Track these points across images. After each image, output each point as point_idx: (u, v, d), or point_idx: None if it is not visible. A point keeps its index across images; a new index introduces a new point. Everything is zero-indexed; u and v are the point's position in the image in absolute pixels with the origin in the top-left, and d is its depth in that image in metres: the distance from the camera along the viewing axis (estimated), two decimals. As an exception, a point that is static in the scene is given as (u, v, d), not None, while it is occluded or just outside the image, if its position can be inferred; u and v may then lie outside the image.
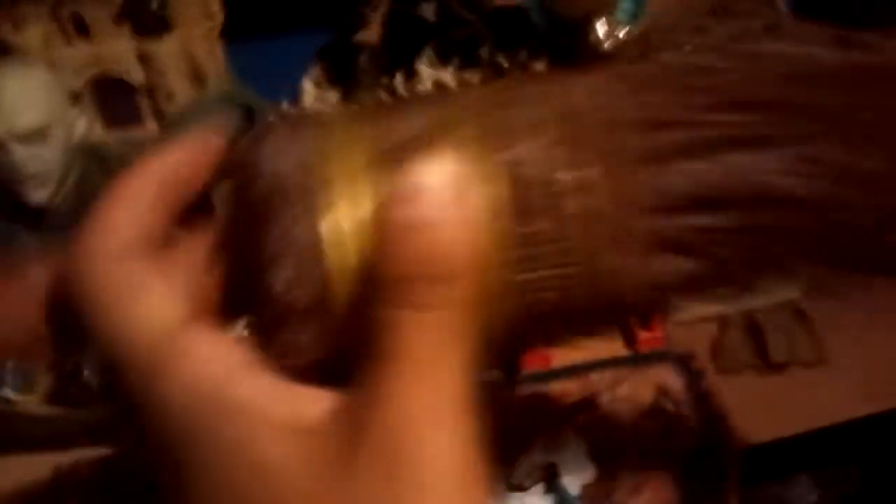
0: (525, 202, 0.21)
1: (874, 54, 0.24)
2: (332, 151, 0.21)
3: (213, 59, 0.81)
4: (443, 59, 0.74)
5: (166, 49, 0.75)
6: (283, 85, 0.78)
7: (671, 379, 0.52)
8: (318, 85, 0.74)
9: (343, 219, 0.20)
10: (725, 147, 0.22)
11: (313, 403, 0.19)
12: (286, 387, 0.19)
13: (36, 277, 0.21)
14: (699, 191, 0.21)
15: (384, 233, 0.19)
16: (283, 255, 0.20)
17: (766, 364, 0.59)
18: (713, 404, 0.51)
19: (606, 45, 0.78)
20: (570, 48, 0.79)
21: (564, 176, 0.21)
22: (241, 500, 0.19)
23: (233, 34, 0.81)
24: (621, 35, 0.78)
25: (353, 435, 0.18)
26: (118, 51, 0.75)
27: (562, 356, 0.53)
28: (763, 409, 0.56)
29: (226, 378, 0.19)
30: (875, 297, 0.65)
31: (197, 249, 0.22)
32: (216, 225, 0.22)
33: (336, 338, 0.20)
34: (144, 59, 0.75)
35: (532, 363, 0.53)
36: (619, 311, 0.22)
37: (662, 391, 0.52)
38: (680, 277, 0.22)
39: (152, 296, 0.20)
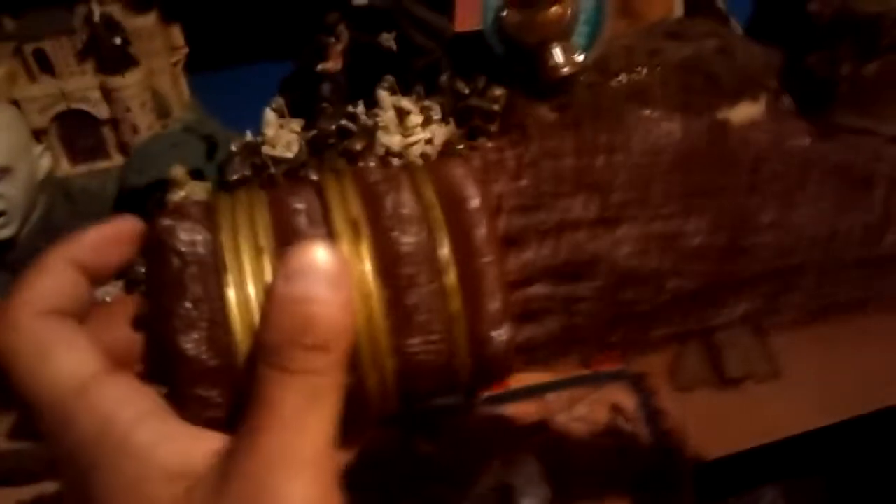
0: (406, 278, 0.23)
1: (718, 138, 0.26)
2: (238, 229, 0.23)
3: (177, 91, 0.82)
4: (404, 87, 0.76)
5: (130, 83, 0.76)
6: (247, 115, 0.79)
7: (626, 398, 0.53)
8: (281, 114, 0.75)
9: (249, 289, 0.22)
10: (582, 227, 0.25)
11: (204, 448, 0.21)
12: (184, 431, 0.21)
13: None
14: (558, 266, 0.24)
15: (270, 303, 0.21)
16: (195, 322, 0.22)
17: (723, 380, 0.60)
18: (666, 422, 0.53)
19: (564, 70, 0.79)
20: (528, 74, 0.80)
21: (441, 255, 0.23)
22: None
23: (196, 66, 0.83)
24: (578, 60, 0.79)
25: (223, 479, 0.20)
26: (82, 86, 0.76)
27: (519, 377, 0.54)
28: (720, 425, 0.57)
29: (131, 422, 0.21)
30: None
31: (121, 315, 0.24)
32: (137, 295, 0.24)
33: (241, 395, 0.22)
34: (109, 94, 0.76)
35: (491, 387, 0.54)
36: (490, 371, 0.24)
37: (618, 410, 0.53)
38: (540, 340, 0.25)
39: (67, 350, 0.22)
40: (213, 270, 0.23)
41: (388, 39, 0.80)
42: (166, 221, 0.23)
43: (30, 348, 0.22)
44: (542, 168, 0.25)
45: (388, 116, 0.72)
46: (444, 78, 0.77)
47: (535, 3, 0.80)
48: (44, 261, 0.24)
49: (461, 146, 0.71)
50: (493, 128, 0.74)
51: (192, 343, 0.22)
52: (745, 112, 0.82)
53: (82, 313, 0.24)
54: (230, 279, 0.22)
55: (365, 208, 0.24)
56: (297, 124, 0.74)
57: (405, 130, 0.71)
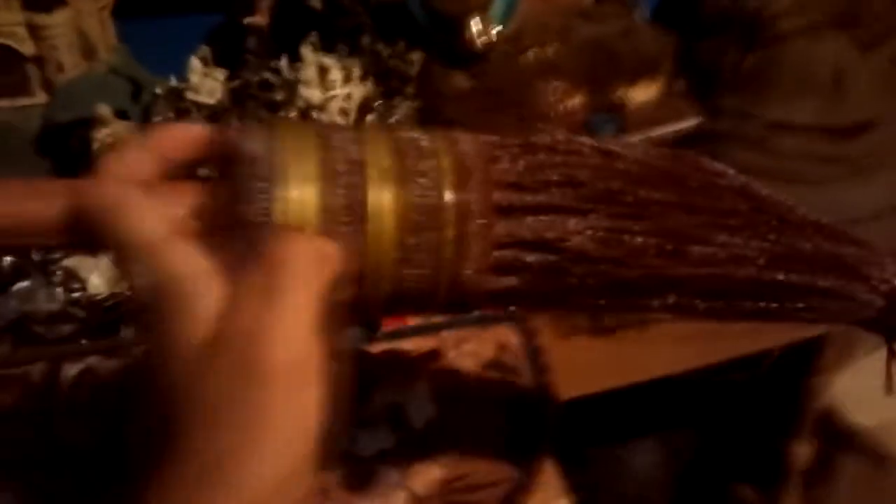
0: (415, 223, 0.30)
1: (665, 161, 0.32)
2: (293, 155, 0.29)
3: (104, 34, 0.84)
4: (327, 46, 0.79)
5: (58, 22, 0.78)
6: (171, 63, 0.82)
7: (511, 337, 0.59)
8: (206, 63, 0.77)
9: (293, 203, 0.28)
10: (557, 211, 0.31)
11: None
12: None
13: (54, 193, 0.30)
14: (532, 237, 0.31)
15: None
16: (243, 212, 0.28)
17: (598, 329, 0.67)
18: (545, 359, 0.59)
19: (481, 40, 0.84)
20: (447, 42, 0.85)
21: (445, 212, 0.30)
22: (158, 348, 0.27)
23: (124, 12, 0.84)
24: (494, 32, 0.84)
25: (219, 333, 0.26)
26: (8, 22, 0.77)
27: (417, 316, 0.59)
28: (594, 367, 0.64)
29: (188, 276, 0.27)
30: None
31: (184, 196, 0.30)
32: (205, 188, 0.30)
33: None
34: (35, 31, 0.77)
35: (390, 321, 0.59)
36: (463, 304, 0.32)
37: (503, 347, 0.59)
38: (507, 290, 0.32)
39: (148, 213, 0.28)
40: (270, 182, 0.28)
41: (314, -1, 0.84)
42: (239, 135, 0.29)
43: (120, 208, 0.28)
44: (537, 158, 0.32)
45: (309, 72, 0.76)
46: (366, 39, 0.81)
47: (455, -25, 0.85)
48: (132, 142, 0.31)
49: (378, 104, 0.76)
50: (409, 89, 0.79)
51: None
52: (643, 91, 0.89)
53: (157, 188, 0.30)
54: (279, 193, 0.28)
55: (394, 162, 0.30)
56: (220, 73, 0.78)
57: (325, 86, 0.75)
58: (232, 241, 0.28)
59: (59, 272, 0.61)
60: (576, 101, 0.86)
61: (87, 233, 0.29)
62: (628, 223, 0.32)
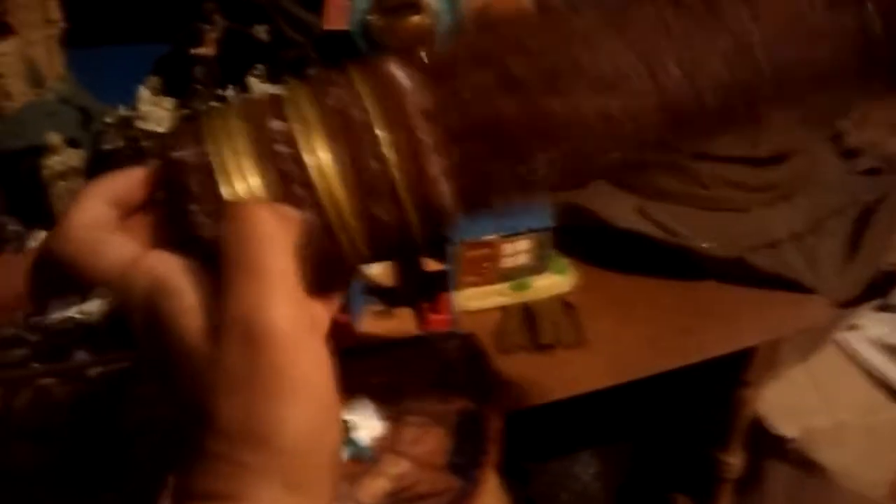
0: (361, 160, 0.30)
1: None
2: (227, 147, 0.30)
3: (52, 63, 0.85)
4: (273, 77, 0.82)
5: (6, 50, 0.79)
6: (118, 92, 0.83)
7: (455, 354, 0.63)
8: (155, 92, 0.79)
9: (243, 193, 0.30)
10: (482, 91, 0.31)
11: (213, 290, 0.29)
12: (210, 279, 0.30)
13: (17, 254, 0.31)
14: (461, 123, 0.31)
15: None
16: (199, 214, 0.30)
17: (537, 345, 0.70)
18: (488, 375, 0.62)
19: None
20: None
21: (383, 140, 0.31)
22: (164, 348, 0.29)
23: (73, 41, 0.86)
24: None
25: (221, 317, 0.28)
26: (-44, 50, 0.78)
27: (366, 335, 0.62)
28: (532, 381, 0.67)
29: (173, 273, 0.30)
30: (628, 294, 0.78)
31: (146, 225, 0.32)
32: (156, 207, 0.32)
33: None
34: (-17, 60, 0.78)
35: (340, 341, 0.61)
36: (437, 221, 0.32)
37: (447, 363, 0.62)
38: (455, 192, 0.31)
39: (112, 243, 0.31)
40: (216, 185, 0.29)
41: (261, 31, 0.86)
42: (170, 150, 0.30)
43: (85, 248, 0.31)
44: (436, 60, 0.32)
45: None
46: (312, 71, 0.84)
47: (397, 10, 0.88)
48: (84, 192, 0.32)
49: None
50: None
51: (199, 227, 0.30)
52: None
53: (117, 224, 0.32)
54: (226, 191, 0.29)
55: (317, 113, 0.30)
56: (169, 103, 0.79)
57: (273, 115, 0.77)
58: (196, 249, 0.30)
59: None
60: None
61: (62, 279, 0.31)
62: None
